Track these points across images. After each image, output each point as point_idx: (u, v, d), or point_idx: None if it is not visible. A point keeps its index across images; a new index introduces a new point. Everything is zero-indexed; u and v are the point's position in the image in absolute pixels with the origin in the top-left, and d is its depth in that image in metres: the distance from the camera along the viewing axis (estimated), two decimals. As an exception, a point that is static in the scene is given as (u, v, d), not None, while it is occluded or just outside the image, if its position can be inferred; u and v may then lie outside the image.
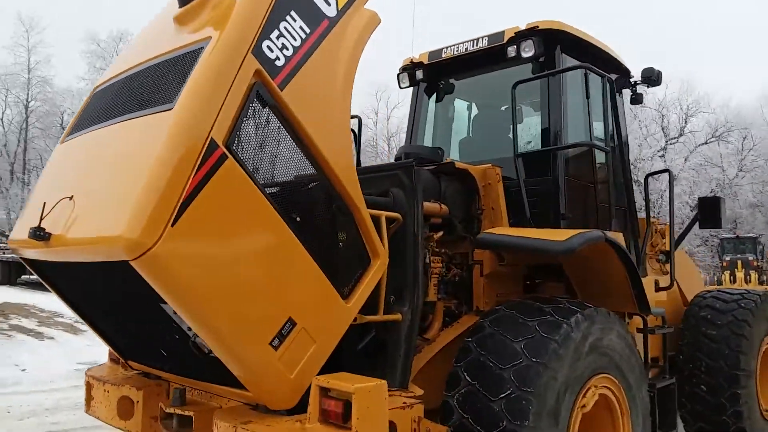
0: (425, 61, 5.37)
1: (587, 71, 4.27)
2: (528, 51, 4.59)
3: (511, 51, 4.69)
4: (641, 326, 4.50)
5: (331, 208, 3.00)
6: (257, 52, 2.70)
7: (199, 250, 2.45)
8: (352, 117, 5.47)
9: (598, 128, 5.08)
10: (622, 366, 3.76)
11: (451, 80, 5.58)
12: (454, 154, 5.62)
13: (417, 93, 5.66)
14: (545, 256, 3.94)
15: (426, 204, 3.88)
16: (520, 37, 4.65)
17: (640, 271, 4.39)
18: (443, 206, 4.02)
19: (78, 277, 3.07)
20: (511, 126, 5.13)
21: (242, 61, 2.65)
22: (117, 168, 2.72)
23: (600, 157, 4.77)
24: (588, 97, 4.50)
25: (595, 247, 3.92)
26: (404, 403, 3.03)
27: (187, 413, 3.05)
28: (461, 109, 5.81)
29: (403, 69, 5.52)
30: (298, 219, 2.83)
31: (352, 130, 5.48)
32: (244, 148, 2.70)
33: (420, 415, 3.07)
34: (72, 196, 2.76)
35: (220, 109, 2.55)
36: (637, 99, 5.52)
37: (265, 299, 2.65)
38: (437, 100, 5.73)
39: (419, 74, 5.43)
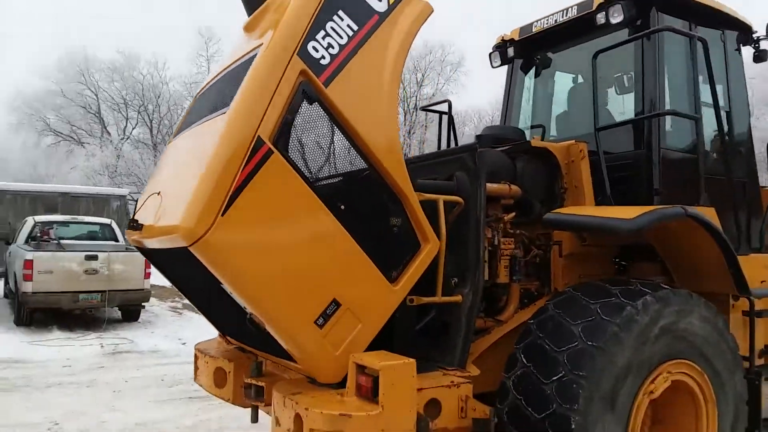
0: (516, 38, 5.26)
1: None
2: (617, 16, 4.32)
3: (600, 18, 4.44)
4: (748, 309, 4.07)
5: (378, 197, 3.11)
6: (303, 53, 2.88)
7: (247, 237, 2.71)
8: (443, 101, 5.60)
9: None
10: (707, 351, 3.49)
11: (549, 54, 5.39)
12: (554, 131, 5.45)
13: (511, 71, 5.56)
14: (614, 235, 3.75)
15: (493, 186, 3.86)
16: (608, 2, 4.39)
17: (744, 249, 4.00)
18: (513, 187, 3.96)
19: (171, 261, 3.55)
20: (604, 97, 4.94)
21: (288, 64, 2.85)
22: (187, 166, 3.11)
23: (707, 125, 4.36)
24: (694, 61, 4.16)
25: (681, 224, 3.66)
26: (452, 382, 3.12)
27: (260, 383, 3.41)
28: (562, 83, 5.59)
29: (495, 48, 5.45)
30: (343, 208, 3.01)
31: (446, 113, 5.58)
32: (290, 143, 2.93)
33: (468, 394, 3.13)
34: (159, 192, 3.22)
35: (267, 108, 2.78)
36: (760, 57, 4.92)
37: (310, 282, 2.87)
38: (535, 76, 5.57)
39: (510, 51, 5.32)
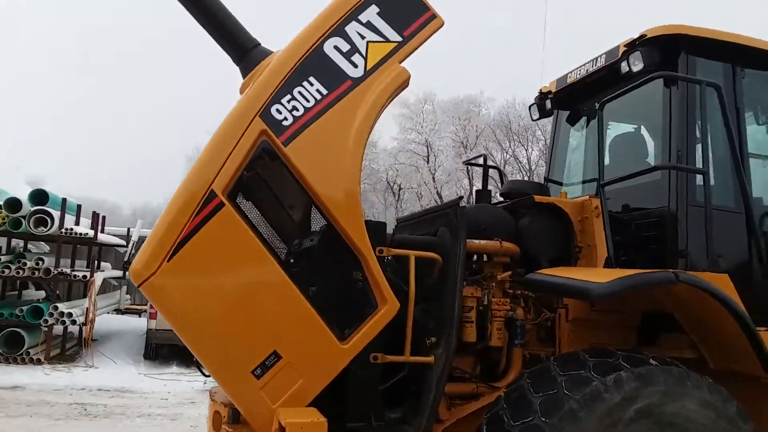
0: (553, 90, 5.05)
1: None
2: (637, 64, 4.01)
3: (624, 66, 4.14)
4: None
5: (332, 255, 3.12)
6: (265, 115, 3.03)
7: (190, 283, 2.88)
8: (480, 156, 5.47)
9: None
10: (711, 443, 2.98)
11: (596, 103, 5.09)
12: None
13: (555, 124, 5.32)
14: (584, 300, 3.41)
15: (480, 242, 3.72)
16: (629, 50, 4.09)
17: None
18: (505, 244, 3.76)
19: None
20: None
21: (249, 124, 3.02)
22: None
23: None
24: (702, 108, 3.70)
25: (689, 292, 3.23)
26: (395, 450, 2.98)
27: (229, 430, 3.49)
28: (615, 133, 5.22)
29: (535, 100, 5.26)
30: (293, 262, 3.09)
31: (492, 166, 5.44)
32: (245, 197, 3.10)
33: (413, 463, 2.97)
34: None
35: (224, 164, 2.96)
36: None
37: (250, 331, 2.94)
38: (586, 127, 5.27)
39: (548, 104, 5.11)
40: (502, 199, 4.70)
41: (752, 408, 3.46)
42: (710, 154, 4.11)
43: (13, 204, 10.87)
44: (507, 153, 37.49)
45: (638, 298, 3.58)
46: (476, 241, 3.70)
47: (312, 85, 3.13)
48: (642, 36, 4.03)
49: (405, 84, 3.30)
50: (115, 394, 9.02)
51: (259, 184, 3.18)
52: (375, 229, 3.34)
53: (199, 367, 3.26)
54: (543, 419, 2.83)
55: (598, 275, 3.22)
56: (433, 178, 36.02)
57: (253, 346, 2.94)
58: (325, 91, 3.13)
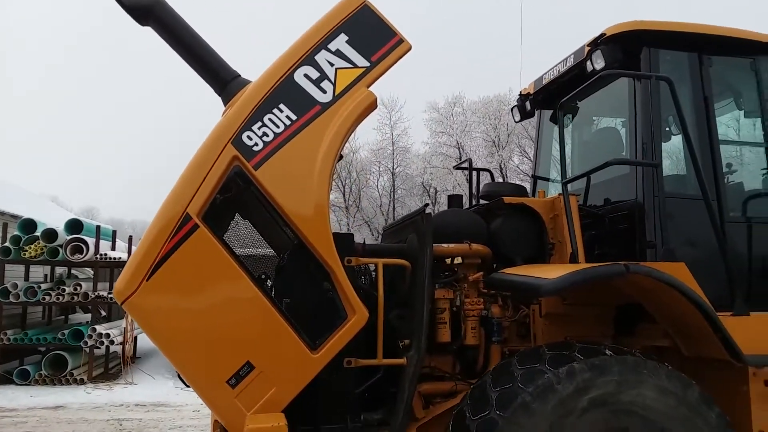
0: (531, 91, 5.14)
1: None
2: (599, 62, 4.09)
3: (589, 65, 4.23)
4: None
5: (303, 270, 3.32)
6: (237, 142, 3.25)
7: (168, 300, 3.11)
8: (466, 160, 5.59)
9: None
10: (674, 429, 3.04)
11: (576, 102, 5.16)
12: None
13: (538, 124, 5.40)
14: (535, 296, 3.51)
15: (449, 246, 3.86)
16: (592, 49, 4.17)
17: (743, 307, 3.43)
18: (474, 246, 3.89)
19: None
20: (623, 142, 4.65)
21: (221, 151, 3.24)
22: None
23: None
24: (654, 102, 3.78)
25: (649, 282, 3.30)
26: (365, 450, 3.14)
27: (220, 437, 3.71)
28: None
29: (519, 101, 5.35)
30: (265, 278, 3.29)
31: (481, 168, 5.57)
32: (217, 219, 3.32)
33: (380, 461, 3.13)
34: None
35: (198, 188, 3.19)
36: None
37: (224, 344, 3.16)
38: (570, 124, 5.33)
39: (528, 105, 5.21)
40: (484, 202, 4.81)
41: (728, 393, 3.51)
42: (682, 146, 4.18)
43: (50, 234, 11.47)
44: (541, 149, 37.00)
45: (606, 291, 3.65)
46: (445, 245, 3.83)
47: (282, 111, 3.32)
48: (602, 35, 4.10)
49: (372, 106, 3.45)
50: (150, 409, 9.41)
51: (232, 206, 3.40)
52: (343, 240, 3.52)
53: (180, 377, 3.50)
54: (498, 413, 2.95)
55: (553, 271, 3.32)
56: (467, 179, 35.83)
57: (227, 358, 3.14)
58: (294, 117, 3.31)
